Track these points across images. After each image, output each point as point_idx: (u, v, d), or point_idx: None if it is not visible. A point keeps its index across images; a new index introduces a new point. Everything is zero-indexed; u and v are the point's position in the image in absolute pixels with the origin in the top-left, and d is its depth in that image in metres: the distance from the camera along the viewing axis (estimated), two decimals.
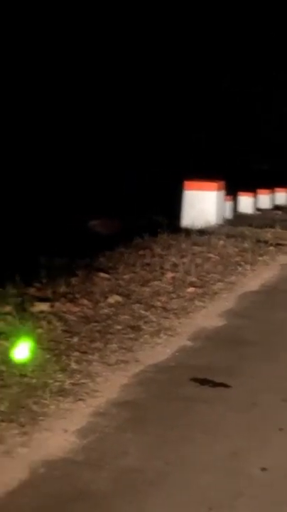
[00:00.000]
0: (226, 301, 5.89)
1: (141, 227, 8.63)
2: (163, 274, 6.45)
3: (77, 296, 5.24)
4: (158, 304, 5.42)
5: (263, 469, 2.89)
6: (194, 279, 6.46)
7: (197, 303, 5.66)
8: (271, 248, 8.69)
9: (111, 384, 3.73)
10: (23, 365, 3.72)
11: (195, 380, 3.89)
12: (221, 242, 8.50)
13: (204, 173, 11.32)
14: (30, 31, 13.13)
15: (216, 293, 6.11)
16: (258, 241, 9.00)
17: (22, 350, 3.87)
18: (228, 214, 12.40)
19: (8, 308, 4.63)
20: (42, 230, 8.24)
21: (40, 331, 4.32)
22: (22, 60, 12.92)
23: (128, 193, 10.09)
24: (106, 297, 5.33)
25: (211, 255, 7.68)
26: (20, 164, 11.33)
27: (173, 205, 10.77)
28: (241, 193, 14.86)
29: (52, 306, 4.87)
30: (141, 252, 7.34)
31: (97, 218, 9.93)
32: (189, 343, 4.60)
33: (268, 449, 3.11)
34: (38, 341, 4.12)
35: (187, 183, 10.83)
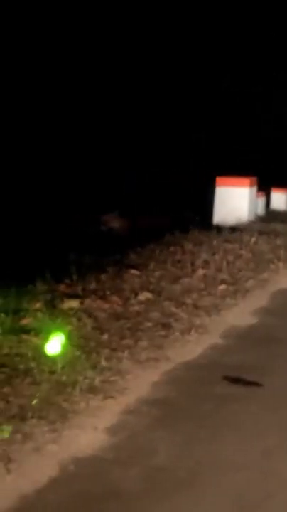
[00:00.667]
0: (259, 299, 5.82)
1: (171, 224, 8.58)
2: (194, 271, 6.40)
3: (107, 293, 5.22)
4: (189, 301, 5.37)
5: None
6: (225, 276, 6.39)
7: (228, 300, 5.59)
8: None
9: (141, 381, 3.69)
10: (53, 362, 3.71)
11: (227, 378, 3.84)
12: (254, 239, 8.40)
13: (235, 171, 11.21)
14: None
15: (248, 290, 6.03)
16: None
17: (52, 347, 3.86)
18: (260, 211, 12.26)
19: (38, 305, 4.63)
20: (63, 228, 8.25)
21: (69, 327, 4.30)
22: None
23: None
24: (137, 294, 5.30)
25: (243, 252, 7.60)
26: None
27: (203, 203, 10.69)
28: (274, 189, 14.68)
29: (82, 303, 4.85)
30: (171, 249, 7.29)
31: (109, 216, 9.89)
32: (220, 341, 4.55)
33: None
34: (68, 338, 4.11)
35: (218, 180, 10.73)
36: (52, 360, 3.73)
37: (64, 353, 3.84)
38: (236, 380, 3.81)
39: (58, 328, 4.17)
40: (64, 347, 3.93)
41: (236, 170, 11.13)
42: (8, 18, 12.81)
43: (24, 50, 12.88)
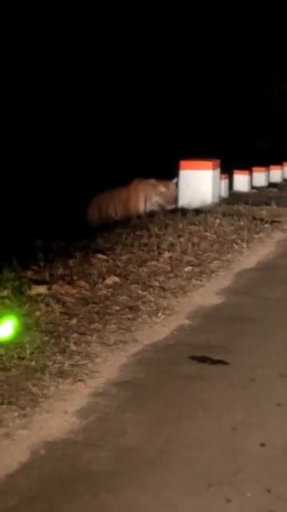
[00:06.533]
0: (224, 279, 5.90)
1: None
2: (160, 254, 6.46)
3: (75, 278, 5.24)
4: (156, 283, 5.43)
5: (262, 445, 2.92)
6: (191, 258, 6.46)
7: (194, 282, 5.66)
8: (267, 225, 8.68)
9: (110, 364, 3.74)
10: (22, 347, 3.73)
11: (194, 358, 3.91)
12: (218, 221, 8.48)
13: (199, 153, 11.26)
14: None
15: (213, 271, 6.11)
16: (254, 219, 8.98)
17: (20, 333, 3.88)
18: (224, 193, 12.36)
19: (5, 292, 4.64)
20: (38, 214, 8.24)
21: (38, 313, 4.33)
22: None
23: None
24: (104, 278, 5.34)
25: (207, 234, 7.68)
26: (17, 158, 11.35)
27: None
28: (236, 171, 14.80)
29: (49, 289, 4.87)
30: (138, 233, 7.34)
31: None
32: (187, 322, 4.62)
33: (267, 424, 3.13)
34: (36, 324, 4.14)
35: (182, 163, 10.78)
36: (21, 346, 3.75)
37: (32, 339, 3.86)
38: (203, 359, 3.88)
39: (26, 315, 4.19)
40: (32, 333, 3.95)
41: (199, 153, 11.19)
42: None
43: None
